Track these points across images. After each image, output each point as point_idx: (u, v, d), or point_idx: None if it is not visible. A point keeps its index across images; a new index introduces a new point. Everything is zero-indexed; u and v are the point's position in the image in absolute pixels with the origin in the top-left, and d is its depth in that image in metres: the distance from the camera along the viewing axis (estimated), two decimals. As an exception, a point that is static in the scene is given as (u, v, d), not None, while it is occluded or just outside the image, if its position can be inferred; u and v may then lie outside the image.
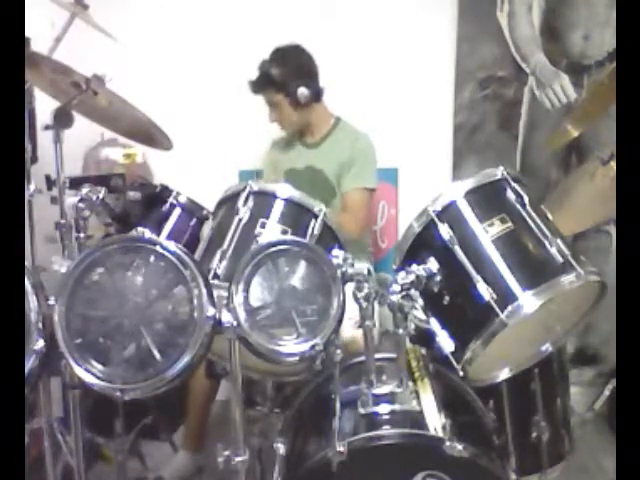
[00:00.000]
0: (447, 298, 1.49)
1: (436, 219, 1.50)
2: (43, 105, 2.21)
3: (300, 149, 2.49)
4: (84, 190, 1.73)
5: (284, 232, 1.55)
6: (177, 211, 2.08)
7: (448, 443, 1.31)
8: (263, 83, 2.32)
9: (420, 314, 1.47)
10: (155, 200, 2.08)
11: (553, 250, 1.45)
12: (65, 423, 1.62)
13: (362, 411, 1.44)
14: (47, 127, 1.84)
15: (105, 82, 1.90)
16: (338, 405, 1.41)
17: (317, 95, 2.37)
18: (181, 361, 1.17)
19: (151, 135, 2.12)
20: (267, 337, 1.25)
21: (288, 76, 2.29)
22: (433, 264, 1.48)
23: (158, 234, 1.96)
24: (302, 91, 2.30)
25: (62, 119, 1.83)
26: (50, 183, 1.93)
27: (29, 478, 1.15)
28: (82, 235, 1.74)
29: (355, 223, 2.30)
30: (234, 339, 1.23)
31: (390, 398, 1.45)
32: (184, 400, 2.24)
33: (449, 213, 1.51)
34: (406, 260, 1.54)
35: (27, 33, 1.85)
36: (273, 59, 2.32)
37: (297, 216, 1.59)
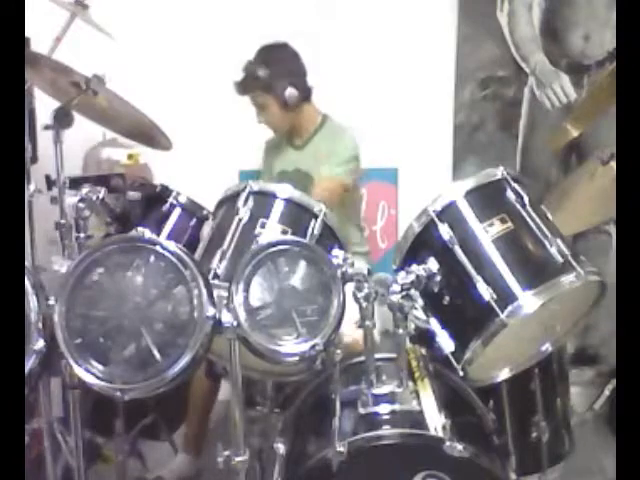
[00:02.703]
0: (447, 298, 1.49)
1: (436, 219, 1.50)
2: (43, 105, 2.21)
3: (289, 151, 2.47)
4: (84, 190, 1.73)
5: (284, 232, 1.54)
6: (177, 211, 2.08)
7: (448, 443, 1.31)
8: (249, 84, 2.28)
9: (420, 314, 1.47)
10: (155, 200, 2.08)
11: (553, 250, 1.45)
12: (65, 423, 1.62)
13: (362, 411, 1.44)
14: (47, 127, 1.84)
15: (105, 82, 1.90)
16: (338, 405, 1.41)
17: (306, 95, 2.34)
18: (181, 361, 1.17)
19: (151, 135, 2.11)
20: (267, 337, 1.25)
21: (275, 76, 2.25)
22: (433, 264, 1.48)
23: (158, 234, 1.96)
24: (290, 92, 2.26)
25: (62, 119, 1.83)
26: (50, 183, 1.93)
27: (29, 478, 1.15)
28: (82, 235, 1.74)
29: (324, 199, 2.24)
30: (234, 339, 1.23)
31: (390, 398, 1.45)
32: (184, 400, 2.24)
33: (449, 213, 1.51)
34: (406, 260, 1.54)
35: (27, 33, 1.85)
36: (258, 59, 2.28)
37: (297, 216, 1.59)
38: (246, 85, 2.29)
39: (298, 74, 2.32)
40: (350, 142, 2.35)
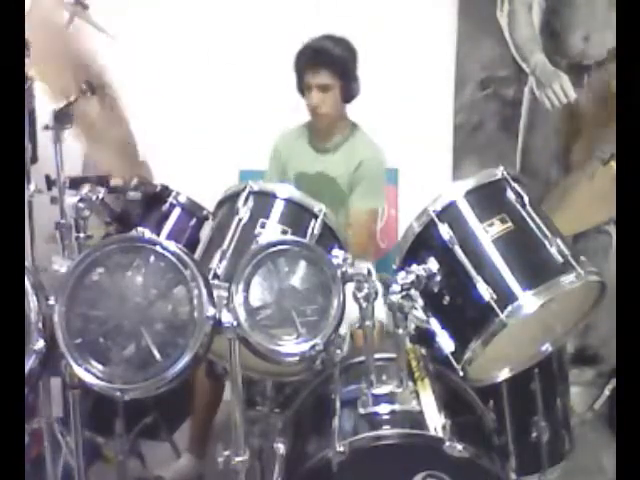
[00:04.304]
0: (447, 298, 1.49)
1: (436, 219, 1.50)
2: (43, 105, 2.21)
3: (312, 153, 2.37)
4: (84, 190, 1.73)
5: (284, 232, 1.55)
6: (177, 211, 2.08)
7: (448, 443, 1.31)
8: (321, 59, 2.16)
9: (420, 314, 1.47)
10: (155, 200, 2.08)
11: (553, 250, 1.46)
12: (65, 423, 1.62)
13: (362, 411, 1.44)
14: (47, 127, 1.84)
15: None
16: (338, 405, 1.42)
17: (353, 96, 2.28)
18: (181, 361, 1.17)
19: (131, 161, 2.07)
20: (267, 337, 1.25)
21: (351, 64, 2.20)
22: (433, 264, 1.48)
23: (158, 234, 1.96)
24: (356, 84, 2.21)
25: (62, 119, 1.83)
26: (50, 183, 1.93)
27: (29, 478, 1.16)
28: (82, 235, 1.74)
29: (358, 242, 2.19)
30: (234, 339, 1.23)
31: (390, 398, 1.45)
32: (184, 400, 2.24)
33: (449, 213, 1.51)
34: (406, 260, 1.55)
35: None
36: (337, 42, 2.19)
37: (297, 216, 1.59)
38: (318, 58, 2.17)
39: (357, 72, 2.26)
40: (379, 163, 2.32)
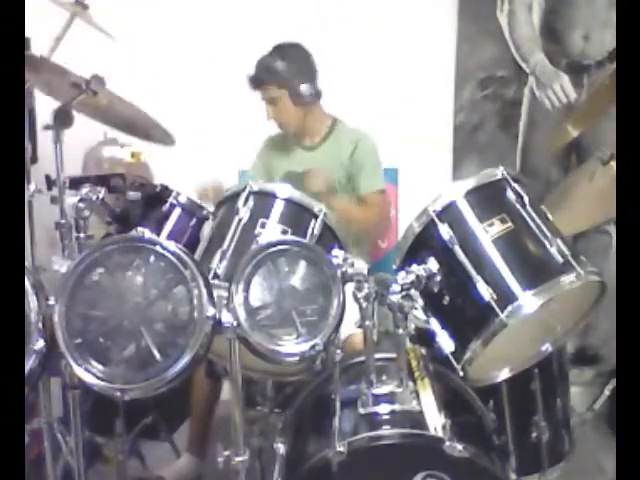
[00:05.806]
0: (447, 298, 1.49)
1: (436, 219, 1.50)
2: (43, 105, 2.21)
3: (298, 152, 2.44)
4: (84, 190, 1.73)
5: (284, 232, 1.55)
6: (177, 211, 2.08)
7: (448, 443, 1.31)
8: (265, 77, 2.27)
9: (420, 314, 1.47)
10: (155, 200, 2.08)
11: (553, 250, 1.45)
12: (65, 423, 1.62)
13: (362, 411, 1.44)
14: (47, 127, 1.84)
15: (105, 83, 1.90)
16: (338, 405, 1.41)
17: (317, 95, 2.34)
18: (181, 361, 1.17)
19: (152, 131, 2.10)
20: (267, 337, 1.25)
21: (291, 71, 2.25)
22: (433, 264, 1.48)
23: (158, 234, 1.96)
24: (305, 87, 2.27)
25: (62, 119, 1.83)
26: (50, 183, 1.93)
27: (29, 478, 1.16)
28: (82, 235, 1.74)
29: (376, 221, 2.33)
30: (234, 339, 1.24)
31: (390, 398, 1.45)
32: (184, 400, 2.24)
33: (449, 213, 1.51)
34: (406, 260, 1.54)
35: (27, 33, 1.85)
36: (275, 54, 2.28)
37: (297, 216, 1.59)
38: (262, 78, 2.27)
39: (312, 73, 2.32)
40: (373, 147, 2.37)
